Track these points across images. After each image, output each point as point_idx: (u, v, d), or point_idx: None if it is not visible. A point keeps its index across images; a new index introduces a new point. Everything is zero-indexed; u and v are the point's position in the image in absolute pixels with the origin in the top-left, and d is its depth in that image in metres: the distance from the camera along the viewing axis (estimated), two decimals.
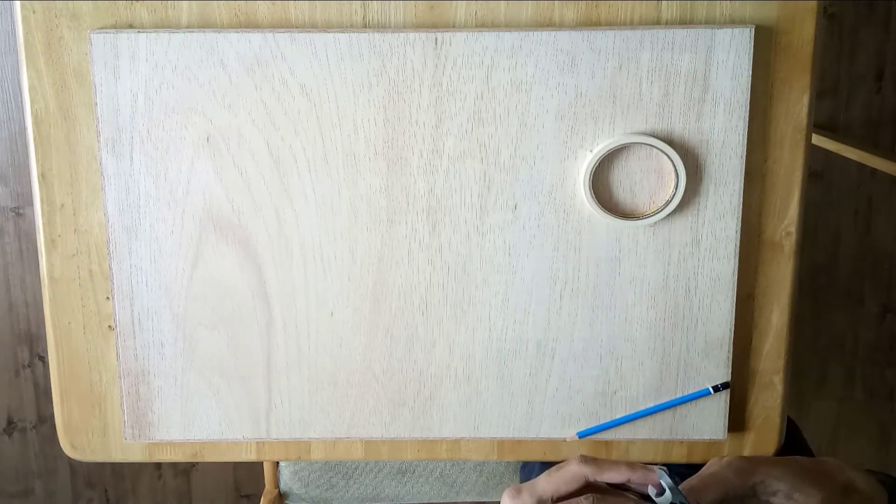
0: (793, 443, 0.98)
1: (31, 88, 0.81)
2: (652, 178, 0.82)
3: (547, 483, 0.62)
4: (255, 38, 0.79)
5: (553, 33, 0.79)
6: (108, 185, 0.82)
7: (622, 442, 0.89)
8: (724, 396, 0.86)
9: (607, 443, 0.89)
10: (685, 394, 0.86)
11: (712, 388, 0.85)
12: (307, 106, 0.80)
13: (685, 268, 0.84)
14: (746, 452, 0.89)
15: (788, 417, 0.96)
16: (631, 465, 0.62)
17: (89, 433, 0.89)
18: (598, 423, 0.87)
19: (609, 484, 0.63)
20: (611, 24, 0.80)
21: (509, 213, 0.83)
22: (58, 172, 0.83)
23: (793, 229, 0.84)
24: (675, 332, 0.85)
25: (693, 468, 0.69)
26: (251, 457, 0.90)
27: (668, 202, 0.81)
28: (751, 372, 0.87)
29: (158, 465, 1.82)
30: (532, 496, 0.61)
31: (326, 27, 0.80)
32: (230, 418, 0.88)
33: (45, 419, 1.79)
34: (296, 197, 0.82)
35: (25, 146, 1.17)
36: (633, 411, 0.87)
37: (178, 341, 0.86)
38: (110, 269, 0.84)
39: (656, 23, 0.80)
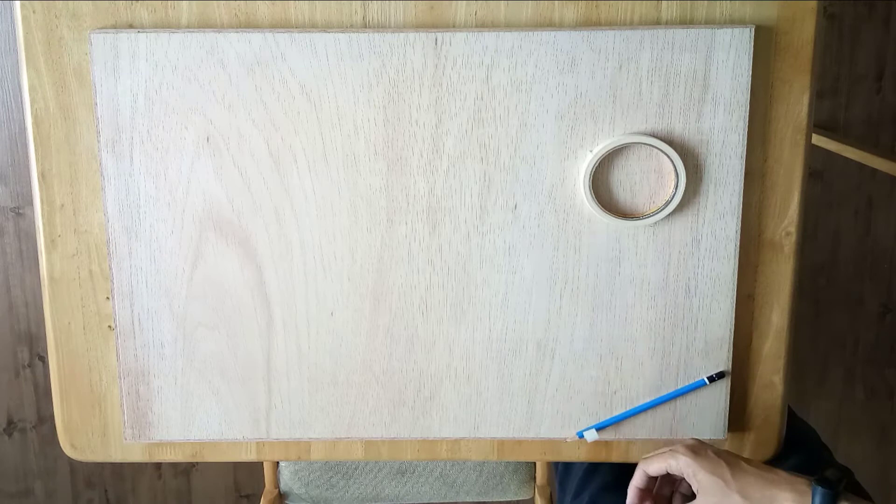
0: (799, 434, 0.98)
1: (31, 88, 0.81)
2: (652, 178, 0.82)
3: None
4: (255, 38, 0.79)
5: (553, 33, 0.79)
6: (108, 185, 0.82)
7: (622, 442, 0.89)
8: (725, 396, 0.86)
9: (607, 443, 0.89)
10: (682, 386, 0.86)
11: (707, 378, 0.85)
12: (307, 106, 0.80)
13: (685, 268, 0.84)
14: (746, 452, 0.89)
15: (793, 412, 0.96)
16: None
17: (89, 433, 0.89)
18: (596, 423, 0.87)
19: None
20: (611, 24, 0.80)
21: (509, 213, 0.83)
22: (58, 172, 0.83)
23: (793, 229, 0.84)
24: (675, 332, 0.85)
25: None
26: (251, 457, 0.90)
27: (668, 202, 0.81)
28: (751, 372, 0.87)
29: (158, 465, 1.82)
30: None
31: (326, 27, 0.80)
32: (230, 418, 0.88)
33: (45, 419, 1.79)
34: (296, 197, 0.82)
35: (25, 146, 1.17)
36: (629, 409, 0.87)
37: (178, 341, 0.86)
38: (110, 269, 0.84)
39: (656, 23, 0.80)
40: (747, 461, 0.75)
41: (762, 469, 0.74)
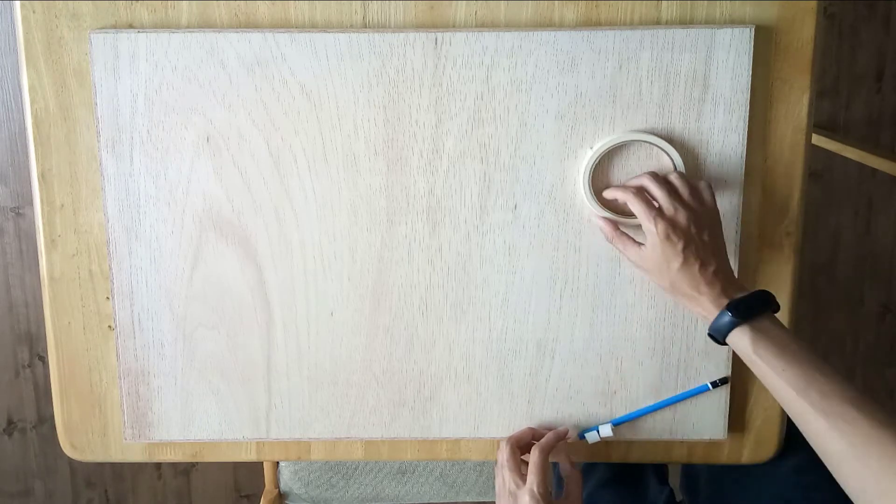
0: (798, 435, 0.97)
1: (31, 88, 0.81)
2: None
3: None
4: (255, 38, 0.79)
5: (553, 33, 0.79)
6: (108, 185, 0.82)
7: (622, 442, 0.89)
8: (725, 397, 0.86)
9: (607, 443, 0.89)
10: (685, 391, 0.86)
11: (710, 383, 0.85)
12: (307, 106, 0.80)
13: None
14: (746, 452, 0.89)
15: None
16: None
17: (89, 433, 0.89)
18: (596, 424, 0.87)
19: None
20: (611, 24, 0.80)
21: (509, 213, 0.82)
22: (58, 172, 0.83)
23: (793, 229, 0.84)
24: (675, 331, 0.85)
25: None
26: (251, 457, 0.90)
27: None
28: (751, 372, 0.87)
29: (158, 465, 1.82)
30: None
31: (326, 27, 0.80)
32: (230, 418, 0.88)
33: (45, 419, 1.79)
34: (296, 197, 0.82)
35: (25, 146, 1.17)
36: (632, 410, 0.87)
37: (178, 341, 0.86)
38: (110, 269, 0.84)
39: (656, 23, 0.80)
40: (705, 266, 0.75)
41: (706, 277, 0.75)
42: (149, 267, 0.84)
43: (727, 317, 0.73)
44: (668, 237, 0.75)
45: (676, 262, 0.75)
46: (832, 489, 0.76)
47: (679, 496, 1.07)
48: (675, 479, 1.09)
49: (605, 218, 0.81)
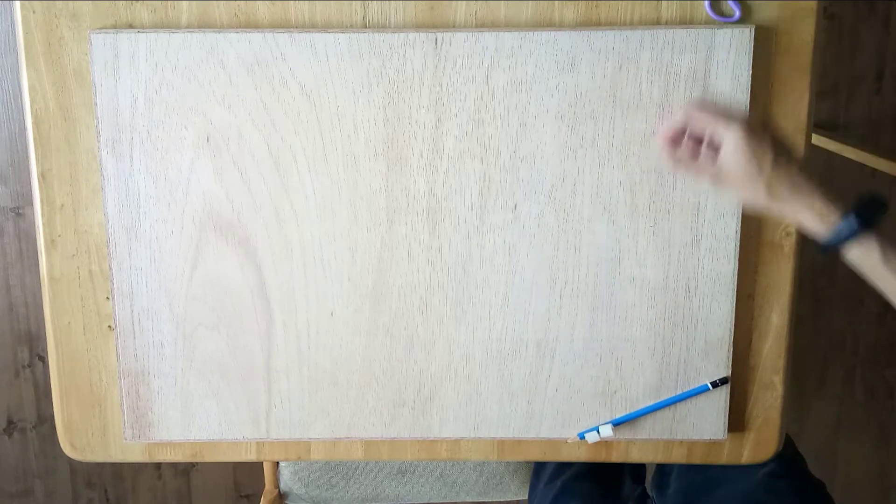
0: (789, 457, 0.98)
1: (31, 88, 0.81)
2: (652, 178, 0.82)
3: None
4: (255, 38, 0.79)
5: (553, 33, 0.79)
6: (108, 185, 0.82)
7: (622, 442, 0.89)
8: (724, 396, 0.86)
9: (607, 443, 0.89)
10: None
11: (710, 383, 0.85)
12: (307, 106, 0.80)
13: (685, 268, 0.83)
14: (746, 452, 0.89)
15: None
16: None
17: (89, 433, 0.89)
18: (596, 424, 0.87)
19: None
20: (611, 24, 0.80)
21: (509, 213, 0.82)
22: (58, 172, 0.83)
23: (793, 229, 0.84)
24: (675, 331, 0.85)
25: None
26: (251, 457, 0.90)
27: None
28: (751, 372, 0.87)
29: (158, 465, 1.82)
30: None
31: (326, 27, 0.80)
32: (230, 418, 0.88)
33: (45, 419, 1.79)
34: (296, 197, 0.82)
35: (25, 146, 1.17)
36: (632, 411, 0.87)
37: (178, 341, 0.86)
38: (110, 269, 0.84)
39: (656, 23, 0.80)
40: (797, 161, 0.68)
41: (802, 176, 0.67)
42: (149, 267, 0.84)
43: (852, 223, 0.63)
44: (751, 132, 0.67)
45: (767, 160, 0.66)
46: (802, 496, 0.75)
47: (651, 493, 1.07)
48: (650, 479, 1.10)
49: (667, 138, 0.73)
